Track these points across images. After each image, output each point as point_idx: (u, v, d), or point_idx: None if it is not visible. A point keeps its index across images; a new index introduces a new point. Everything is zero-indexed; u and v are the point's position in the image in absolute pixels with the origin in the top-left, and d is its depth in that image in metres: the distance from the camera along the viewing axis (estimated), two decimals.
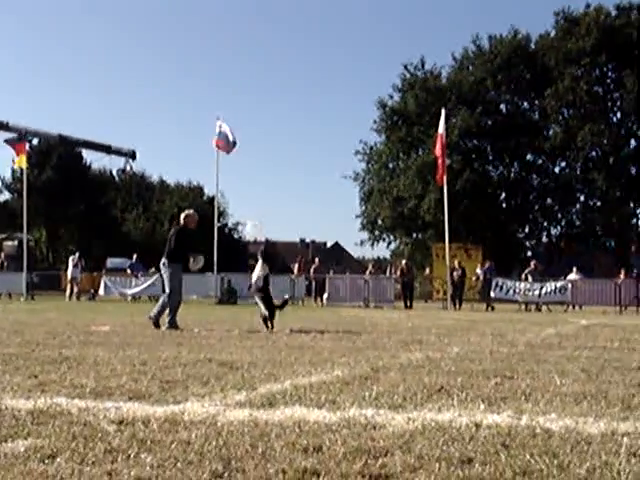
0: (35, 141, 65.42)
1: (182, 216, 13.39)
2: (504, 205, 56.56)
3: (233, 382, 5.92)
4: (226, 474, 3.18)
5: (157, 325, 12.65)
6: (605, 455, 3.54)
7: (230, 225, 76.91)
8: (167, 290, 12.98)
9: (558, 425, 4.26)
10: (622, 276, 31.05)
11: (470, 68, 56.26)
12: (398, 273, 32.35)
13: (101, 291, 33.57)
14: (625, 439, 3.88)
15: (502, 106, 56.65)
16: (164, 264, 13.01)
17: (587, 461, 3.42)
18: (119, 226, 69.76)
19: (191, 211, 13.56)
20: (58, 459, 3.37)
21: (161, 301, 13.12)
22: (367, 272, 35.12)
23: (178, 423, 4.22)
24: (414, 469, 3.28)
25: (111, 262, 46.02)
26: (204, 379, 6.08)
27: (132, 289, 32.91)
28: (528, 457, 3.49)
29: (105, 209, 68.94)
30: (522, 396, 5.38)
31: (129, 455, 3.45)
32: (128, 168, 72.17)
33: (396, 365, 7.32)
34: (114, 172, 74.44)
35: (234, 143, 31.10)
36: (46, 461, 3.34)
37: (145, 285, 32.76)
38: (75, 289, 32.54)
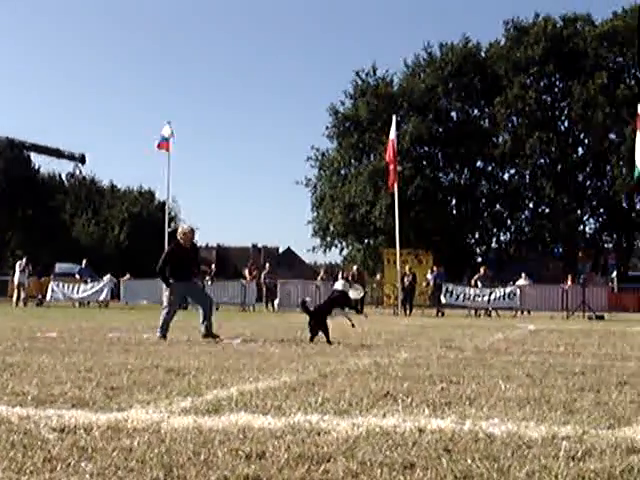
0: None
1: (178, 232, 12.85)
2: (454, 211, 57.01)
3: (179, 389, 5.88)
4: None
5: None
6: (544, 459, 3.59)
7: None
8: (164, 304, 12.60)
9: (500, 429, 4.31)
10: (569, 282, 31.51)
11: (421, 75, 56.64)
12: (349, 279, 32.39)
13: (49, 297, 33.07)
14: (565, 443, 3.94)
15: (453, 113, 57.13)
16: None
17: (527, 465, 3.47)
18: (68, 231, 68.85)
19: (187, 228, 12.93)
20: None
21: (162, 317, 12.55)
22: (319, 278, 35.16)
23: (121, 430, 4.18)
24: (356, 475, 3.29)
25: (59, 267, 45.37)
26: (150, 386, 6.02)
27: (80, 294, 32.49)
28: (469, 461, 3.53)
29: (54, 214, 67.90)
30: (467, 401, 5.43)
31: (69, 464, 3.40)
32: (77, 172, 71.32)
33: (344, 371, 7.33)
34: (63, 176, 73.58)
35: (165, 138, 31.08)
36: None
37: (93, 290, 32.37)
38: (22, 295, 31.98)
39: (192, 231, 12.79)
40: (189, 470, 3.32)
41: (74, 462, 3.42)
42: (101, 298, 32.22)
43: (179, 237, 12.52)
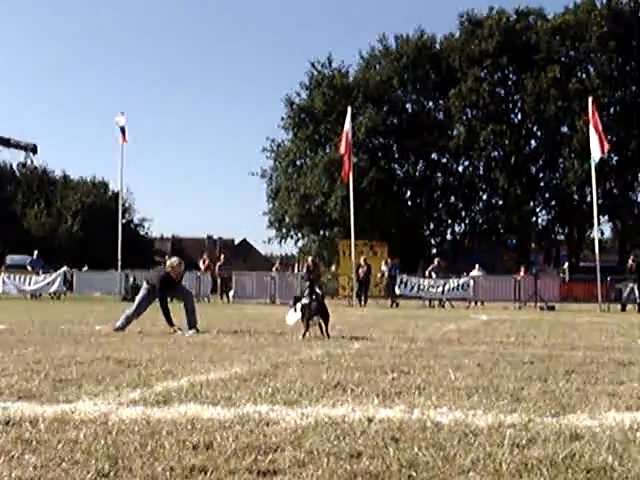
0: None
1: (167, 264, 12.48)
2: (409, 203, 57.34)
3: (129, 380, 5.84)
4: (112, 473, 3.14)
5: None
6: (490, 447, 3.63)
7: (136, 221, 75.93)
8: (136, 302, 12.31)
9: (448, 418, 4.35)
10: (522, 273, 31.91)
11: (377, 67, 56.80)
12: (304, 270, 32.42)
13: (0, 289, 32.58)
14: (510, 431, 4.00)
15: (408, 105, 57.39)
16: (147, 282, 12.33)
17: (472, 453, 3.51)
18: (19, 222, 67.91)
19: (175, 262, 12.39)
20: None
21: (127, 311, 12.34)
22: (274, 269, 35.14)
23: (67, 422, 4.14)
24: (303, 464, 3.30)
25: (11, 259, 44.75)
26: (99, 377, 5.97)
27: (32, 286, 32.05)
28: (416, 450, 3.56)
29: (5, 204, 66.95)
30: (416, 391, 5.48)
31: (12, 456, 3.36)
32: (29, 162, 70.42)
33: (296, 361, 7.34)
34: (14, 166, 72.47)
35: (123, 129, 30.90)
36: None
37: (45, 282, 31.97)
38: None
39: (181, 264, 12.41)
40: (135, 461, 3.30)
41: (18, 455, 3.38)
42: (52, 289, 31.84)
43: (169, 270, 12.21)
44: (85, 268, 38.11)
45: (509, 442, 3.72)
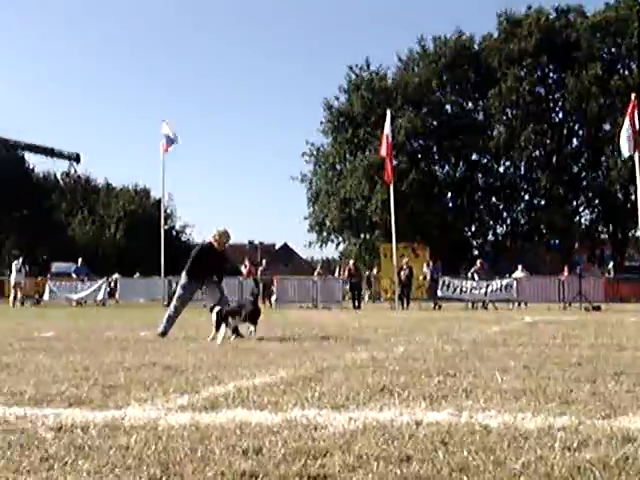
0: None
1: (213, 234, 12.33)
2: (450, 204, 57.07)
3: (176, 386, 5.89)
4: (164, 478, 3.17)
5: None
6: (540, 450, 3.60)
7: (178, 228, 76.52)
8: (173, 301, 12.17)
9: (497, 421, 4.32)
10: (565, 273, 31.56)
11: (415, 69, 56.68)
12: (346, 274, 32.40)
13: (46, 296, 33.04)
14: (560, 433, 3.95)
15: (447, 106, 57.17)
16: (182, 277, 12.11)
17: (523, 456, 3.48)
18: (64, 230, 68.80)
19: (221, 229, 12.30)
20: None
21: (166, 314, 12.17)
22: (315, 273, 35.17)
23: (118, 428, 4.18)
24: (353, 469, 3.30)
25: (56, 267, 45.41)
26: (147, 383, 6.03)
27: (77, 294, 32.48)
28: (466, 454, 3.54)
29: (49, 213, 67.86)
30: (463, 394, 5.44)
31: (66, 462, 3.41)
32: (72, 171, 71.40)
33: (341, 365, 7.34)
34: (58, 175, 73.55)
35: (172, 140, 31.04)
36: None
37: (91, 290, 32.38)
38: (19, 294, 31.95)
39: (226, 233, 12.29)
40: (186, 467, 3.33)
41: (71, 461, 3.43)
42: (99, 297, 32.24)
43: (213, 239, 12.14)
44: (137, 275, 38.57)
45: (560, 445, 3.68)
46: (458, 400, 5.15)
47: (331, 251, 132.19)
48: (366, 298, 37.25)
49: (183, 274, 12.09)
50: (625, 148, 26.40)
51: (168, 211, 68.57)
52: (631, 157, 28.27)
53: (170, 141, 31.09)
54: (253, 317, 11.34)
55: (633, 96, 26.94)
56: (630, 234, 54.20)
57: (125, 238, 69.27)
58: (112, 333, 12.64)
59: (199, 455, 3.53)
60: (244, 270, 33.68)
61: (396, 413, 4.61)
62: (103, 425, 4.26)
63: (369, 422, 4.30)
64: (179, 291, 12.12)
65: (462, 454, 3.53)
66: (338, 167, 56.74)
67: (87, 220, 71.29)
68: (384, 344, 10.20)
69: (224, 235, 12.22)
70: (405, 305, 29.40)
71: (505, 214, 56.63)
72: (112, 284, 33.83)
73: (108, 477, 3.18)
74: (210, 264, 12.08)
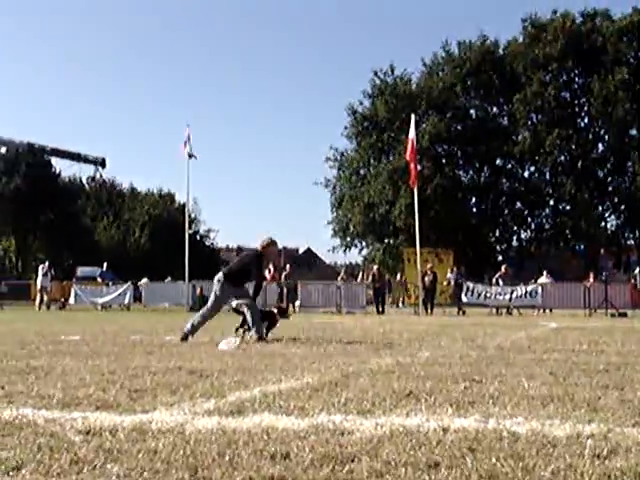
0: (3, 149, 64.98)
1: (263, 243, 12.08)
2: (474, 209, 56.89)
3: (202, 390, 5.90)
4: None
5: (185, 338, 11.54)
6: (570, 457, 3.57)
7: (202, 232, 76.86)
8: (209, 304, 11.94)
9: (524, 428, 4.29)
10: (591, 279, 31.33)
11: (440, 74, 56.60)
12: (370, 279, 32.38)
13: (71, 300, 33.32)
14: (589, 441, 3.92)
15: (472, 111, 57.04)
16: (219, 280, 11.81)
17: (552, 463, 3.46)
18: (89, 234, 69.32)
19: (271, 240, 12.10)
20: (23, 471, 3.34)
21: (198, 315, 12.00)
22: (339, 278, 35.17)
23: (146, 432, 4.20)
24: (381, 474, 3.30)
25: (81, 271, 45.71)
26: (173, 387, 6.05)
27: (103, 298, 32.72)
28: (494, 460, 3.52)
29: (75, 217, 68.42)
30: (490, 400, 5.41)
31: (95, 465, 3.42)
32: (98, 176, 72.10)
33: (366, 371, 7.33)
34: (84, 180, 74.19)
35: (190, 155, 31.23)
36: (11, 473, 3.31)
37: (116, 294, 32.60)
38: (45, 298, 32.24)
39: (275, 246, 12.22)
40: (214, 471, 3.33)
41: (100, 464, 3.45)
42: (125, 301, 32.46)
43: (262, 247, 12.01)
44: (168, 279, 38.79)
45: (589, 453, 3.65)
46: (485, 406, 5.13)
47: (354, 256, 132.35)
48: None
49: (222, 278, 11.80)
50: None
51: (192, 215, 68.94)
52: None
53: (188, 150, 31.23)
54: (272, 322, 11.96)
55: None
56: None
57: (149, 242, 69.69)
58: (138, 337, 12.71)
59: (227, 459, 3.54)
60: (268, 275, 33.73)
61: (423, 419, 4.59)
62: (131, 429, 4.28)
63: (396, 428, 4.29)
64: (218, 295, 11.77)
65: (490, 461, 3.51)
66: (362, 172, 56.74)
67: (112, 224, 71.80)
68: (409, 349, 10.18)
69: (274, 244, 12.20)
70: (429, 310, 29.33)
71: (530, 219, 56.38)
72: (140, 288, 34.08)
73: None
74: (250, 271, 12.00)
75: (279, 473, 3.28)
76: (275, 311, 12.64)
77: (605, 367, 7.63)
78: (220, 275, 11.90)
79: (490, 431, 4.22)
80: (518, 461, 3.50)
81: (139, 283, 33.98)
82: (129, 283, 33.24)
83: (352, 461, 3.52)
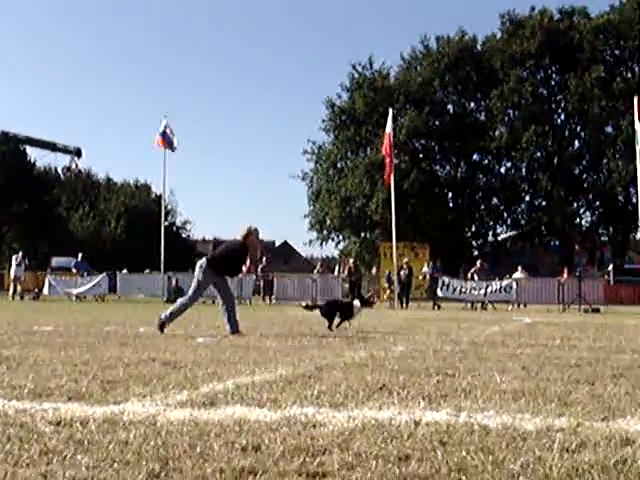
0: None
1: (244, 233, 11.85)
2: (451, 204, 57.10)
3: (175, 381, 5.89)
4: (163, 474, 3.17)
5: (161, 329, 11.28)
6: (539, 451, 3.60)
7: (178, 224, 76.54)
8: (190, 292, 11.73)
9: (495, 422, 4.32)
10: (565, 275, 31.59)
11: (418, 68, 56.70)
12: (346, 272, 32.43)
13: (45, 290, 33.10)
14: (559, 435, 3.95)
15: (449, 106, 57.21)
16: (201, 266, 11.65)
17: (521, 457, 3.48)
18: (64, 224, 68.78)
19: (249, 229, 11.86)
20: None
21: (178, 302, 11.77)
22: (315, 271, 35.18)
23: (117, 423, 4.18)
24: (351, 467, 3.30)
25: (56, 261, 45.45)
26: (146, 379, 6.03)
27: (77, 288, 32.51)
28: (464, 454, 3.54)
29: (50, 207, 67.83)
30: (462, 393, 5.44)
31: (65, 456, 3.40)
32: (73, 166, 71.51)
33: (340, 364, 7.34)
34: (59, 170, 73.57)
35: (169, 142, 30.90)
36: None
37: (90, 285, 32.40)
38: (18, 288, 32.00)
39: (254, 235, 11.90)
40: (185, 463, 3.33)
41: (70, 455, 3.43)
42: (99, 292, 32.28)
43: (244, 240, 11.79)
44: (147, 271, 38.70)
45: (559, 446, 3.68)
46: (457, 400, 5.15)
47: (331, 249, 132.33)
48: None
49: (205, 265, 11.61)
50: None
51: (169, 207, 68.62)
52: (632, 160, 28.25)
53: (168, 141, 30.93)
54: (349, 315, 12.56)
55: (636, 99, 26.94)
56: (630, 236, 54.25)
57: (125, 234, 69.31)
58: (111, 328, 12.65)
59: (198, 451, 3.53)
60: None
61: (395, 412, 4.61)
62: (102, 420, 4.25)
63: (368, 421, 4.30)
64: (201, 282, 11.60)
65: (461, 454, 3.53)
66: (339, 165, 56.76)
67: (87, 215, 71.31)
68: (383, 343, 10.21)
69: (255, 231, 11.97)
70: (404, 305, 29.43)
71: (505, 215, 56.68)
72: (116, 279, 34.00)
73: (107, 472, 3.17)
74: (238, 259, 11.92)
75: (250, 465, 3.28)
76: (356, 302, 13.07)
77: (577, 362, 7.70)
78: (203, 261, 11.77)
79: (461, 425, 4.24)
80: (488, 454, 3.52)
81: (118, 274, 33.82)
82: (104, 274, 33.06)
83: (323, 453, 3.52)
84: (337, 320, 12.37)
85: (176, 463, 3.32)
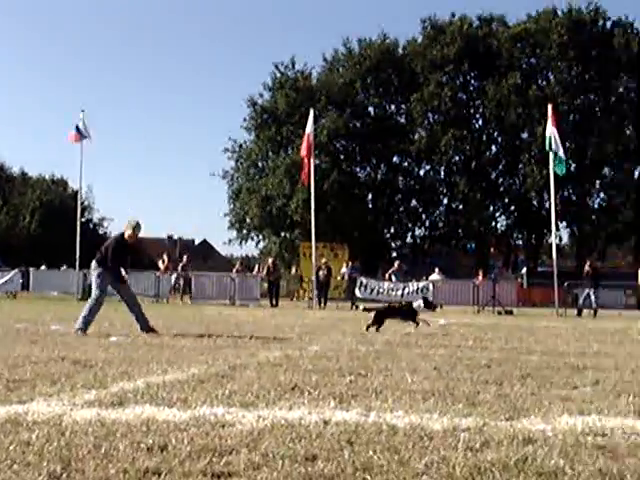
0: None
1: (125, 226, 11.78)
2: (370, 206, 57.51)
3: (84, 381, 5.79)
4: (64, 475, 3.11)
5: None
6: (444, 450, 3.66)
7: (95, 220, 75.21)
8: (93, 294, 11.54)
9: (404, 422, 4.37)
10: (480, 277, 32.17)
11: (340, 70, 56.93)
12: (265, 271, 32.35)
13: None
14: (464, 434, 4.03)
15: (370, 109, 57.59)
16: (95, 269, 11.55)
17: (426, 456, 3.53)
18: None
19: (134, 222, 11.75)
20: None
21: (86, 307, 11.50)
22: (234, 270, 34.98)
23: (20, 424, 4.09)
24: (258, 467, 3.30)
25: None
26: (54, 378, 5.91)
27: None
28: (371, 453, 3.57)
29: None
30: (373, 393, 5.49)
31: None
32: None
33: (254, 363, 7.33)
34: None
35: (83, 135, 30.39)
36: None
37: (2, 280, 31.52)
38: None
39: (139, 226, 11.77)
40: (88, 463, 3.27)
41: None
42: (12, 288, 31.43)
43: (126, 233, 11.65)
44: (64, 267, 37.82)
45: (463, 446, 3.75)
46: (367, 400, 5.20)
47: (251, 249, 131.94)
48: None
49: (96, 265, 11.57)
50: (560, 150, 27.00)
51: (86, 203, 67.37)
52: (546, 166, 29.00)
53: (81, 135, 30.41)
54: (412, 316, 13.95)
55: (550, 107, 27.65)
56: (544, 241, 55.60)
57: (40, 229, 67.74)
58: (22, 326, 12.34)
59: (102, 452, 3.48)
60: (162, 265, 33.29)
61: (305, 412, 4.62)
62: (5, 420, 4.15)
63: (277, 421, 4.31)
64: (98, 282, 11.51)
65: (367, 453, 3.56)
66: (260, 165, 56.62)
67: (1, 210, 69.47)
68: (299, 343, 10.23)
69: (137, 227, 11.92)
70: (323, 304, 29.53)
71: (424, 217, 57.40)
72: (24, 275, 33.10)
73: (6, 473, 3.10)
74: (124, 256, 11.83)
75: (155, 465, 3.25)
76: (418, 302, 14.34)
77: (487, 363, 7.86)
78: (94, 263, 11.64)
79: (370, 424, 4.28)
80: (394, 454, 3.56)
81: (15, 270, 32.76)
82: (16, 270, 32.23)
83: (230, 453, 3.51)
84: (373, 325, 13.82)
85: (79, 464, 3.27)
